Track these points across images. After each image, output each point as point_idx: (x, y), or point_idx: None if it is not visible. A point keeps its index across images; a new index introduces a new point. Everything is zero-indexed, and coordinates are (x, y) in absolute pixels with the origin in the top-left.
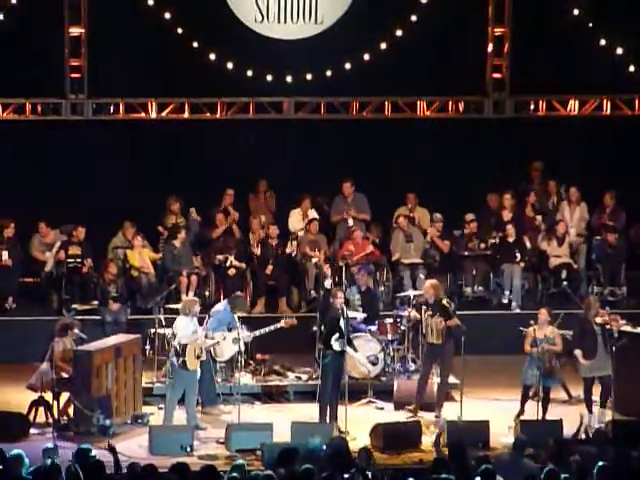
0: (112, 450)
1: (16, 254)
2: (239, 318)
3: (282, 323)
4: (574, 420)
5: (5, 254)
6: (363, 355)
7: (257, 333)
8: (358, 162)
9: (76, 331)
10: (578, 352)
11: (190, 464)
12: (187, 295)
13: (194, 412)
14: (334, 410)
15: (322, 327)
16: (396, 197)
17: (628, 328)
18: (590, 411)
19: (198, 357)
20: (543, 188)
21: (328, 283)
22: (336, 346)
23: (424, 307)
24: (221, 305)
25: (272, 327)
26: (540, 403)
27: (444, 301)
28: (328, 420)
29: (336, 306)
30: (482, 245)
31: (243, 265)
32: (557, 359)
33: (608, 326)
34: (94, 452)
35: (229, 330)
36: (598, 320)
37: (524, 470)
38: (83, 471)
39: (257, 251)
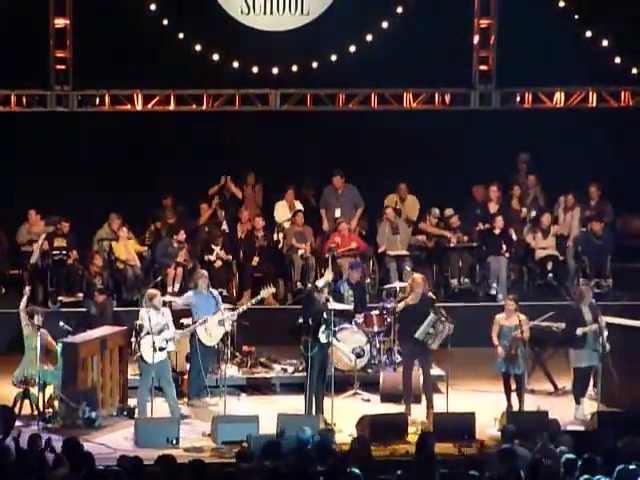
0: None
1: (1, 246)
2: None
3: (262, 294)
4: (560, 412)
5: None
6: (347, 347)
7: (240, 310)
8: (344, 154)
9: (39, 318)
10: (579, 330)
11: (176, 456)
12: (173, 287)
13: (175, 403)
14: (320, 402)
15: (309, 320)
16: (382, 189)
17: (616, 320)
18: (578, 402)
19: (161, 349)
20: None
21: (322, 282)
22: (323, 338)
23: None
24: (190, 292)
25: (254, 300)
26: (515, 392)
27: (430, 294)
28: (314, 412)
29: (321, 299)
30: (466, 238)
31: (229, 257)
32: (523, 347)
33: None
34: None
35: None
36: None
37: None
38: (71, 462)
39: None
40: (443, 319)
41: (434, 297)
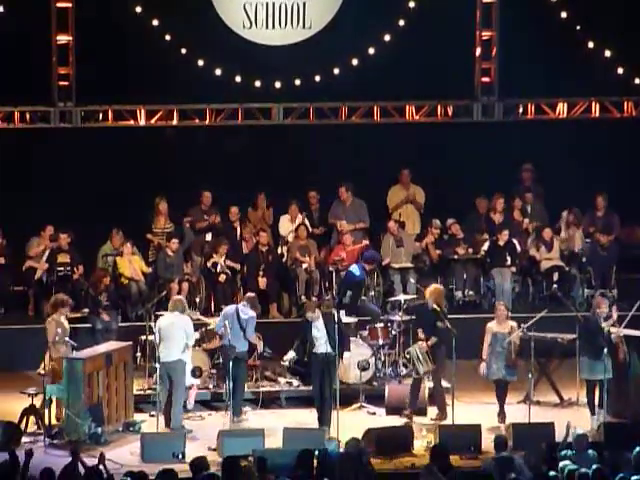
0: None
1: (6, 261)
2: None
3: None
4: (565, 423)
5: None
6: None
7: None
8: (348, 167)
9: (66, 310)
10: (584, 359)
11: (181, 471)
12: None
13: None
14: (326, 415)
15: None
16: (385, 204)
17: (628, 331)
18: (593, 413)
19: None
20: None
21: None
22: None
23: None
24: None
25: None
26: (496, 395)
27: (435, 306)
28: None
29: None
30: (470, 250)
31: (237, 265)
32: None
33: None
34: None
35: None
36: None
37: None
38: None
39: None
40: (421, 360)
41: (438, 309)
